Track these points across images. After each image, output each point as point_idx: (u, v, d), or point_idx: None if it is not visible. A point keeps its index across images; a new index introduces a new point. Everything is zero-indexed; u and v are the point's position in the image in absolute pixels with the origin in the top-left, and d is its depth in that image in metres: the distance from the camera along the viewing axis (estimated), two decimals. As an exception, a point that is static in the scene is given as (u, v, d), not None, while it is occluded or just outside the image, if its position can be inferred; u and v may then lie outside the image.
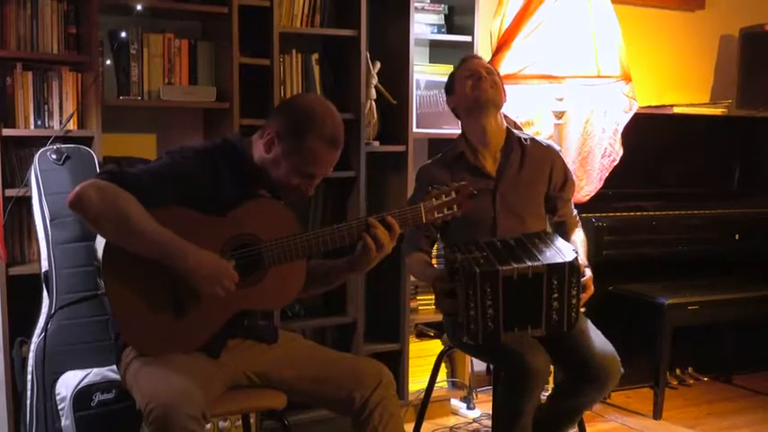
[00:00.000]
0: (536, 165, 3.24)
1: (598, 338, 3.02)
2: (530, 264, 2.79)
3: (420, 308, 4.20)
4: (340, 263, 2.72)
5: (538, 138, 3.36)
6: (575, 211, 3.36)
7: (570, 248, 2.90)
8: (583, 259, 3.00)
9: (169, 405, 2.25)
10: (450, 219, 2.71)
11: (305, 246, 2.55)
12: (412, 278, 4.03)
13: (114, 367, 2.87)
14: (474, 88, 3.14)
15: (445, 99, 3.32)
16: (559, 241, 2.98)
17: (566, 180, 3.31)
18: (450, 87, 3.26)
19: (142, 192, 2.37)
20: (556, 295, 2.81)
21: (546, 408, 3.10)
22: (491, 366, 3.95)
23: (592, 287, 2.97)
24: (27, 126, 3.30)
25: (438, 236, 3.29)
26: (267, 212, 2.58)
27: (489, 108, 3.16)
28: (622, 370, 2.99)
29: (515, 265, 2.78)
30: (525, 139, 3.25)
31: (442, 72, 4.23)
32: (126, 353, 2.57)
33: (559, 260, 2.81)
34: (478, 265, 2.76)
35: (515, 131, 3.28)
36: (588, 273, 2.97)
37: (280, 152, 2.55)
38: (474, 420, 4.16)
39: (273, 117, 2.63)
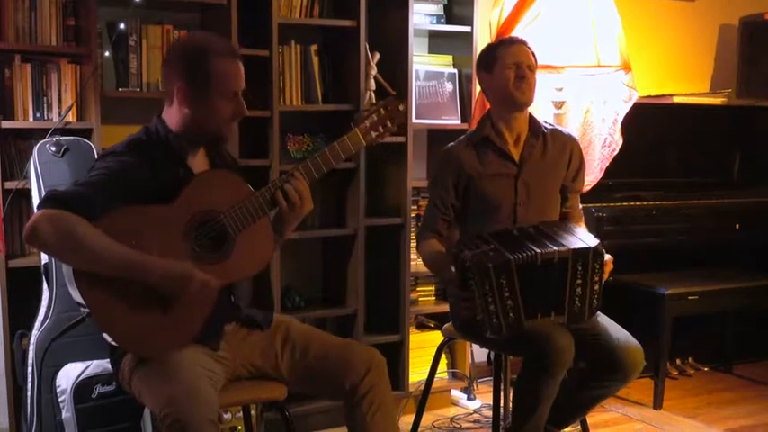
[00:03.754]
0: (557, 153, 3.25)
1: (620, 329, 3.04)
2: (555, 248, 2.80)
3: (420, 299, 4.20)
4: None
5: (558, 127, 3.36)
6: (579, 205, 3.37)
7: (591, 235, 2.91)
8: None
9: (186, 409, 2.24)
10: (388, 135, 2.75)
11: (262, 204, 2.55)
12: (412, 269, 4.04)
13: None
14: (515, 87, 3.12)
15: (478, 74, 3.27)
16: (579, 229, 3.00)
17: (579, 170, 3.32)
18: (489, 65, 3.19)
19: (89, 207, 2.32)
20: (579, 281, 2.82)
21: (562, 397, 3.10)
22: (492, 357, 3.96)
23: (611, 263, 2.98)
24: (26, 118, 3.29)
25: (455, 220, 3.26)
26: (215, 184, 2.56)
27: (522, 108, 3.18)
28: (644, 362, 3.01)
29: (537, 250, 2.78)
30: (547, 128, 3.26)
31: (441, 62, 4.23)
32: (125, 359, 2.54)
33: (584, 245, 2.82)
34: (489, 259, 2.75)
35: (538, 119, 3.27)
36: (607, 255, 2.96)
37: (197, 96, 2.51)
38: (474, 411, 4.16)
39: (167, 78, 2.58)
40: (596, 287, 2.85)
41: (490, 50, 3.22)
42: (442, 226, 3.21)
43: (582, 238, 2.88)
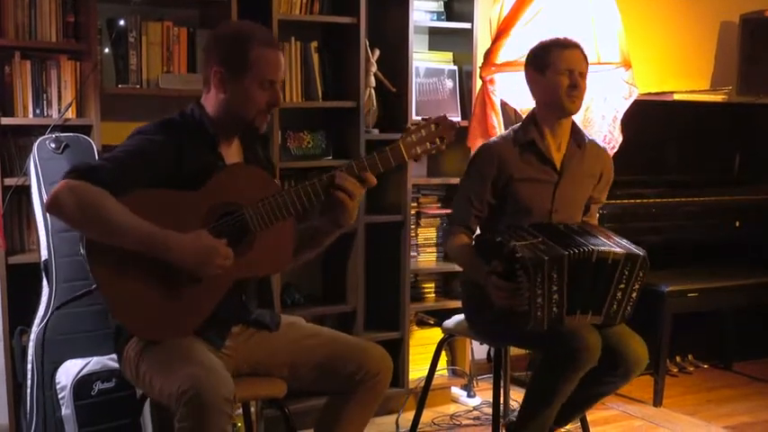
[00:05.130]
0: (593, 164, 3.23)
1: (624, 326, 3.03)
2: (612, 248, 2.80)
3: (420, 296, 4.19)
4: (324, 221, 2.66)
5: (594, 138, 3.35)
6: (597, 214, 3.38)
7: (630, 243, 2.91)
8: None
9: (207, 386, 2.23)
10: (434, 153, 2.65)
11: (287, 203, 2.50)
12: (412, 266, 4.04)
13: (114, 355, 2.86)
14: (567, 95, 3.05)
15: (527, 70, 3.18)
16: (617, 235, 2.98)
17: (607, 185, 3.32)
18: (541, 67, 3.11)
19: (113, 182, 2.33)
20: (622, 285, 2.83)
21: None
22: (492, 354, 3.95)
23: None
24: (26, 115, 3.29)
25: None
26: (243, 177, 2.54)
27: (570, 116, 3.15)
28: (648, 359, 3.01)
29: (593, 247, 2.78)
30: (586, 138, 3.23)
31: (441, 59, 4.23)
32: (129, 346, 2.53)
33: (636, 251, 2.83)
34: (544, 252, 2.73)
35: (580, 128, 3.24)
36: None
37: (234, 80, 2.51)
38: (474, 408, 4.16)
39: (207, 61, 2.58)
40: (634, 295, 2.87)
41: (544, 51, 3.13)
42: (473, 222, 3.14)
43: (626, 244, 2.88)
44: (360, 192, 2.56)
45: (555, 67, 3.07)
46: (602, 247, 2.81)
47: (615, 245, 2.86)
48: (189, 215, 2.42)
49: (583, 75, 3.10)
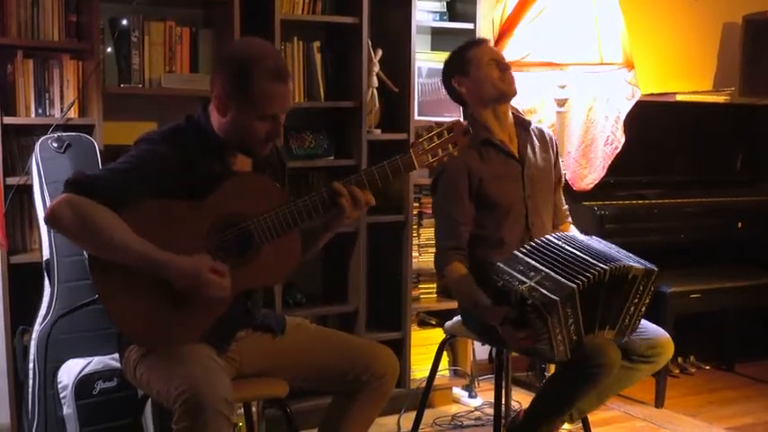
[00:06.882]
0: (544, 149, 3.23)
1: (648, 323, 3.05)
2: (630, 264, 2.77)
3: (422, 296, 4.19)
4: (317, 225, 2.62)
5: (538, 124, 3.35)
6: (564, 203, 3.36)
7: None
8: None
9: (204, 387, 2.22)
10: (446, 160, 2.57)
11: (294, 215, 2.45)
12: (414, 266, 4.03)
13: (116, 355, 2.86)
14: (502, 80, 3.08)
15: (451, 80, 3.19)
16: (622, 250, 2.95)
17: (559, 162, 3.33)
18: (463, 69, 3.14)
19: (113, 195, 2.30)
20: (636, 300, 2.82)
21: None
22: (493, 354, 3.94)
23: None
24: (28, 114, 3.29)
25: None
26: (250, 187, 2.50)
27: (510, 99, 3.16)
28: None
29: (603, 267, 2.72)
30: (529, 123, 3.25)
31: (443, 60, 4.21)
32: (131, 349, 2.51)
33: (652, 267, 2.81)
34: (551, 291, 2.66)
35: (519, 114, 3.23)
36: None
37: (234, 109, 2.44)
38: (476, 409, 4.16)
39: (213, 77, 2.52)
40: (644, 309, 2.87)
41: (459, 55, 3.18)
42: (465, 239, 3.06)
43: (635, 258, 2.86)
44: (362, 199, 2.50)
45: (478, 62, 3.11)
46: (614, 264, 2.75)
47: (625, 257, 2.82)
48: (193, 227, 2.38)
49: (505, 60, 3.14)
